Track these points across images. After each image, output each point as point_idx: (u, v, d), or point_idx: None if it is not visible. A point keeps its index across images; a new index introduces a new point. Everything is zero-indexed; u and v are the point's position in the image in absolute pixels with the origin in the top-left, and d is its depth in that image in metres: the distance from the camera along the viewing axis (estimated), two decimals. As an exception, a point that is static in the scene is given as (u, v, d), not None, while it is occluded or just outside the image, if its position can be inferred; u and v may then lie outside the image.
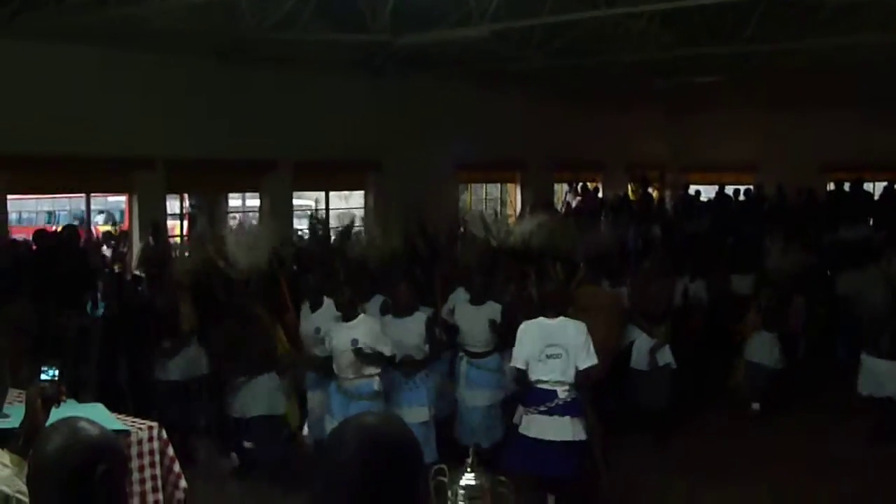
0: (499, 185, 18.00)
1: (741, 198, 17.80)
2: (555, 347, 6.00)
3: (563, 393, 5.99)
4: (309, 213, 14.01)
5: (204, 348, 7.66)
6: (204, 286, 7.86)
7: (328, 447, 2.03)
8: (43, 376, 3.28)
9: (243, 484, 7.12)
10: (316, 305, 7.44)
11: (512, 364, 6.27)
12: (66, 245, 9.55)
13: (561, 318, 6.15)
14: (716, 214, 16.22)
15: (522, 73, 13.65)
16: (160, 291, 7.96)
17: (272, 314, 7.38)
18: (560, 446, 5.95)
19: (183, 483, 5.08)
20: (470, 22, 9.88)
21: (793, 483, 7.05)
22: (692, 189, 18.82)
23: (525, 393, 6.21)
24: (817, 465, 7.41)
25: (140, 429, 4.94)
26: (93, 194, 12.52)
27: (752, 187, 18.07)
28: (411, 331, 6.98)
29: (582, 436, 6.03)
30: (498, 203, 17.85)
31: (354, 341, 6.50)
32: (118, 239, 11.60)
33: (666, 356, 8.20)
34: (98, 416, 4.45)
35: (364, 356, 6.48)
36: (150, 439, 4.93)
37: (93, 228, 13.61)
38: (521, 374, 6.13)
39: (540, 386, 6.03)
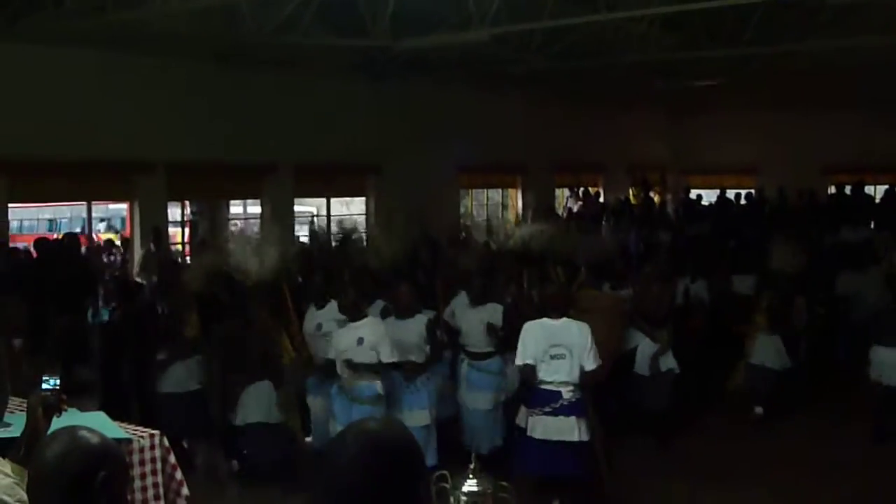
0: (500, 189, 18.00)
1: (742, 202, 17.80)
2: (559, 348, 6.00)
3: (567, 393, 5.99)
4: (310, 218, 14.01)
5: (204, 358, 7.61)
6: (209, 293, 7.84)
7: (329, 452, 2.02)
8: (44, 385, 3.24)
9: (244, 490, 7.10)
10: (320, 305, 7.50)
11: (518, 362, 6.24)
12: (67, 252, 9.54)
13: (564, 318, 6.15)
14: (717, 218, 16.22)
15: (522, 76, 13.63)
16: (167, 297, 7.94)
17: (276, 321, 7.37)
18: (567, 446, 5.95)
19: (185, 491, 5.05)
20: (470, 26, 9.87)
21: (794, 486, 7.03)
22: (693, 193, 18.82)
23: (529, 394, 6.20)
24: (819, 468, 7.38)
25: (142, 437, 4.92)
26: (94, 202, 12.52)
27: (752, 191, 18.06)
28: (412, 332, 6.99)
29: (587, 436, 6.02)
30: (500, 207, 17.84)
31: (360, 340, 6.52)
32: (107, 247, 11.62)
33: (669, 362, 8.17)
34: (99, 424, 4.42)
35: (355, 367, 6.50)
36: (152, 447, 4.90)
37: (94, 236, 13.61)
38: (530, 370, 6.08)
39: (544, 387, 6.02)
